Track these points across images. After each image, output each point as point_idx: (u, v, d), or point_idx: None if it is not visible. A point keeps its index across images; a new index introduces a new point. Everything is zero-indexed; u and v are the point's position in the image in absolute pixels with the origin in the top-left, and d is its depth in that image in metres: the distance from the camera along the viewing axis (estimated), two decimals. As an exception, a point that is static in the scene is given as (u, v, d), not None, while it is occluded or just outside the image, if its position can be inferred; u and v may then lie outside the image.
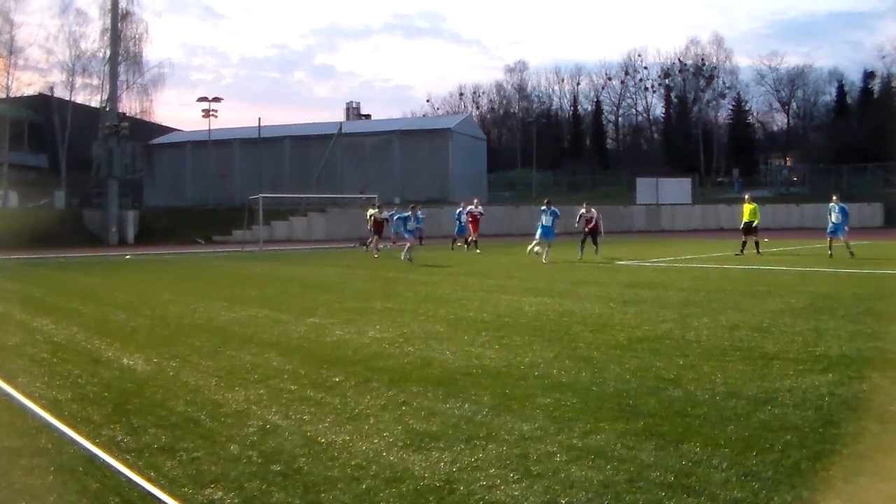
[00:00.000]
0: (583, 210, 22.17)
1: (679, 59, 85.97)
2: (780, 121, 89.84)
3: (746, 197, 24.82)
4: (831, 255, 20.91)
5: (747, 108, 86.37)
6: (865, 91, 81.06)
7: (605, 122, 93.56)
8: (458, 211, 29.08)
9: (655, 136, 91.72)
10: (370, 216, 28.12)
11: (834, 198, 21.95)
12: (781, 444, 4.42)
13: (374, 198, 31.34)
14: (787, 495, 3.67)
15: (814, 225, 33.47)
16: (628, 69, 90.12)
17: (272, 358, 7.55)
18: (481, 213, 28.55)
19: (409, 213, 24.55)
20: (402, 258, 21.90)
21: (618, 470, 4.08)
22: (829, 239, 21.64)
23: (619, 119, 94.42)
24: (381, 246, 26.87)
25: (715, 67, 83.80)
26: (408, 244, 22.77)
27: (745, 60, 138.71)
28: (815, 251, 24.26)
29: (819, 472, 3.96)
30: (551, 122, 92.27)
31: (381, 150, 56.78)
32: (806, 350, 7.32)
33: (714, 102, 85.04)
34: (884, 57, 78.33)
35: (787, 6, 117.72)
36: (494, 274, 17.52)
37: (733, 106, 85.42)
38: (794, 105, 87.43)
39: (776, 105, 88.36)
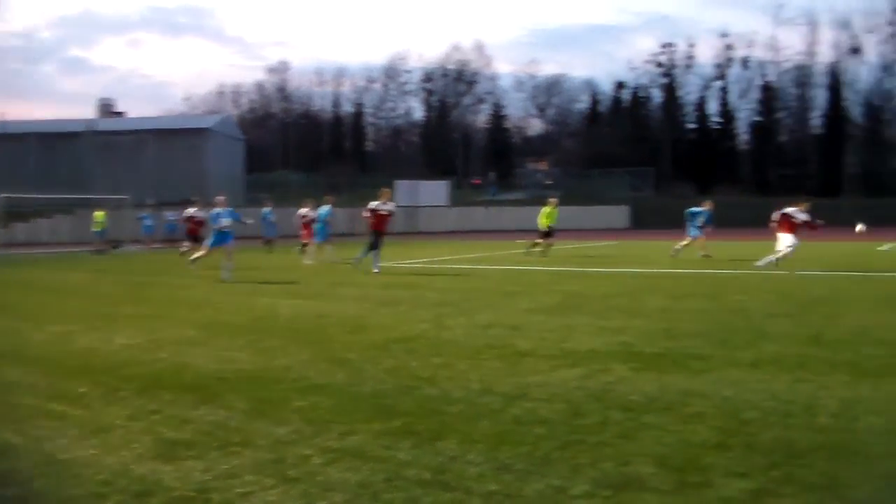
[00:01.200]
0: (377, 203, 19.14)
1: (441, 64, 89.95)
2: (536, 126, 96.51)
3: (550, 200, 26.31)
4: (707, 255, 21.97)
5: (505, 113, 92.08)
6: (616, 100, 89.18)
7: (365, 125, 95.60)
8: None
9: (415, 139, 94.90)
10: (187, 217, 25.06)
11: (704, 204, 23.34)
12: (533, 436, 4.79)
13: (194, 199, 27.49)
14: (539, 484, 3.99)
15: (566, 227, 36.19)
16: (391, 72, 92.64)
17: (6, 371, 7.06)
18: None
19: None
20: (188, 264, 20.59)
21: (375, 470, 4.23)
22: (691, 240, 22.81)
23: (380, 122, 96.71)
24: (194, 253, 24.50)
25: (476, 73, 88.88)
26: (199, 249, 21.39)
27: (505, 67, 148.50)
28: (569, 252, 26.18)
29: (568, 460, 4.35)
30: (312, 124, 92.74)
31: (135, 149, 55.13)
32: (557, 346, 7.93)
33: (474, 107, 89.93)
34: (634, 69, 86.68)
35: (548, 17, 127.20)
36: (251, 277, 17.23)
37: (492, 111, 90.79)
38: (550, 112, 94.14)
39: (533, 111, 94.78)
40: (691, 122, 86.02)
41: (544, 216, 25.15)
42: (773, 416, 5.14)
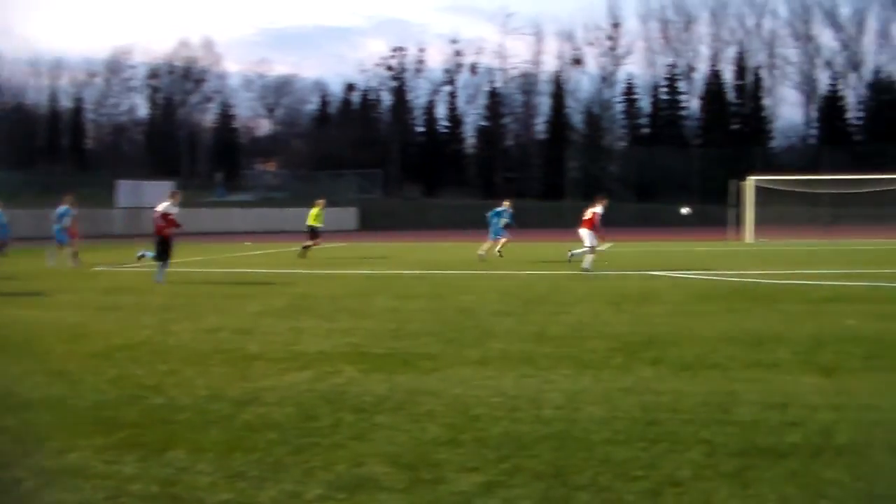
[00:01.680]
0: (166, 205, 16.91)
1: (168, 60, 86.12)
2: (265, 127, 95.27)
3: (318, 202, 26.02)
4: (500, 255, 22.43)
5: (233, 113, 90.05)
6: (346, 102, 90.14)
7: (85, 121, 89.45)
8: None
9: (140, 137, 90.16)
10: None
11: (505, 203, 23.55)
12: (265, 442, 4.74)
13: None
14: (273, 490, 3.95)
15: (295, 228, 36.01)
16: (114, 67, 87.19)
17: None
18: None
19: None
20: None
21: (97, 487, 3.98)
22: (493, 242, 22.90)
23: (102, 118, 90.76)
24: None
25: (204, 71, 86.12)
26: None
27: (234, 66, 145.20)
28: (293, 254, 26.07)
29: (301, 464, 4.34)
30: (25, 119, 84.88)
31: None
32: (286, 349, 7.90)
33: (201, 106, 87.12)
34: (365, 71, 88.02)
35: (279, 16, 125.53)
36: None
37: (220, 110, 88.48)
38: (279, 112, 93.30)
39: (262, 111, 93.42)
40: (420, 126, 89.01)
41: (312, 217, 25.31)
42: (500, 410, 5.45)
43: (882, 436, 4.71)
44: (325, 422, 5.20)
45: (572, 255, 18.72)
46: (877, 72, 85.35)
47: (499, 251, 22.76)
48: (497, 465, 4.31)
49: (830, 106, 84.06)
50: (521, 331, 9.05)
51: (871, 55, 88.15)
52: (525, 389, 6.06)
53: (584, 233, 18.21)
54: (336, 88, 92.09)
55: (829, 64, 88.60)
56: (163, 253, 15.91)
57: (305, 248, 24.82)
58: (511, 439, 4.77)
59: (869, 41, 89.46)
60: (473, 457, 4.45)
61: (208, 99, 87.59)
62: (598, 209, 18.45)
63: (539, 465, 4.29)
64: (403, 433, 4.93)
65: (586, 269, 17.44)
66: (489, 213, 23.46)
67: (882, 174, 35.27)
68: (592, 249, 18.08)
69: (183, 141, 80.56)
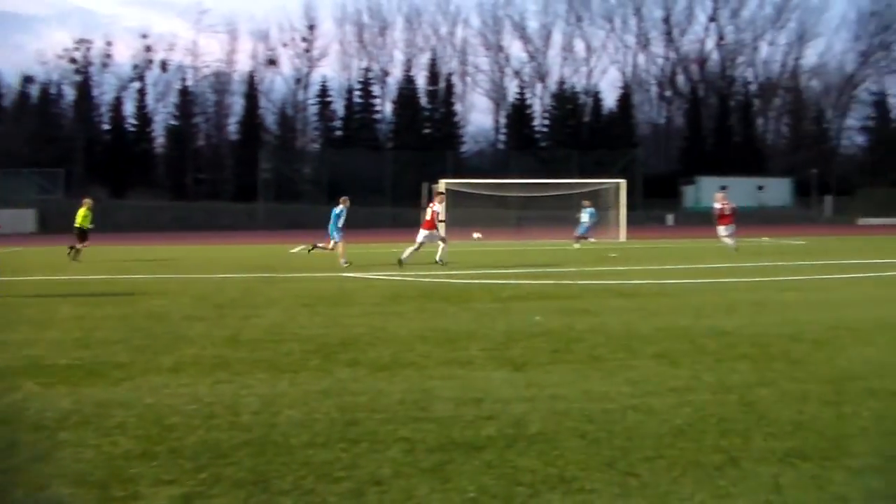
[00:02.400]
0: None
1: None
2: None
3: (85, 201, 24.78)
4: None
5: None
6: (24, 95, 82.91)
7: None
8: None
9: None
10: None
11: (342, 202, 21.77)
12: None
13: None
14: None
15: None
16: None
17: None
18: None
19: None
20: None
21: None
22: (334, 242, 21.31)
23: None
24: None
25: None
26: None
27: None
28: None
29: None
30: None
31: None
32: (-56, 364, 7.17)
33: None
34: (45, 63, 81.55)
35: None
36: None
37: None
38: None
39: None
40: (106, 124, 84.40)
41: (80, 217, 24.49)
42: (196, 418, 5.34)
43: (570, 423, 5.19)
44: (-2, 444, 4.81)
45: (401, 259, 19.48)
46: (561, 83, 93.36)
47: (319, 247, 22.97)
48: (195, 475, 4.23)
49: (518, 113, 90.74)
50: (214, 335, 8.88)
51: (557, 67, 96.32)
52: (221, 396, 5.97)
53: (423, 232, 19.99)
54: (12, 80, 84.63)
55: (517, 73, 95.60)
56: None
57: (74, 250, 23.29)
58: (209, 448, 4.69)
59: (554, 54, 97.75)
60: (169, 469, 4.33)
61: None
62: (437, 207, 20.52)
63: (239, 473, 4.27)
64: (92, 449, 4.68)
65: (441, 261, 19.53)
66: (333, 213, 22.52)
67: (563, 178, 38.71)
68: (444, 240, 20.24)
69: None
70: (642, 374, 6.67)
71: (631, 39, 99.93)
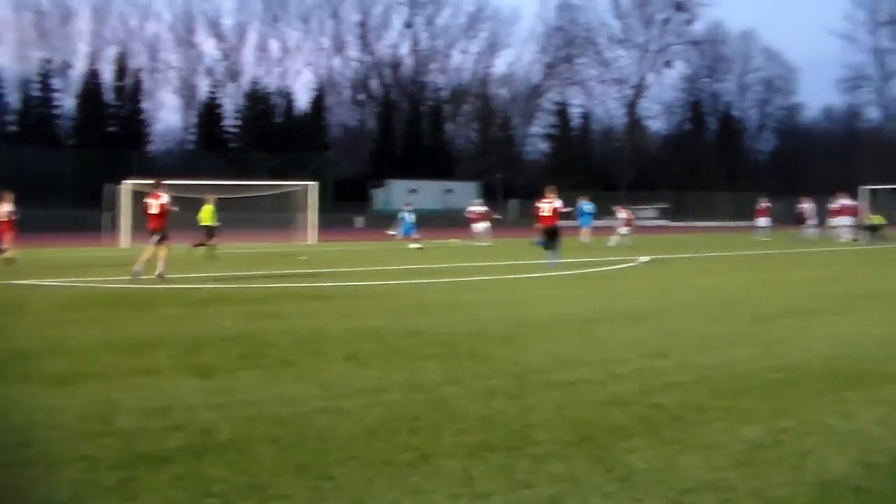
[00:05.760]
0: None
1: None
2: None
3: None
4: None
5: None
6: None
7: None
8: None
9: None
10: None
11: None
12: None
13: None
14: None
15: None
16: None
17: None
18: None
19: None
20: None
21: None
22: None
23: None
24: None
25: None
26: None
27: None
28: None
29: None
30: None
31: None
32: None
33: None
34: None
35: None
36: None
37: None
38: None
39: None
40: None
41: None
42: None
43: (261, 429, 5.13)
44: None
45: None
46: (254, 83, 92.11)
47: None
48: None
49: (209, 113, 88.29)
50: None
51: (250, 66, 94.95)
52: None
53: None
54: None
55: (209, 72, 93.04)
56: None
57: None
58: None
59: (248, 53, 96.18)
60: None
61: None
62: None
63: None
64: None
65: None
66: None
67: (255, 180, 38.18)
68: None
69: None
70: (333, 376, 6.76)
71: (327, 42, 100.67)
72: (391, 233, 32.80)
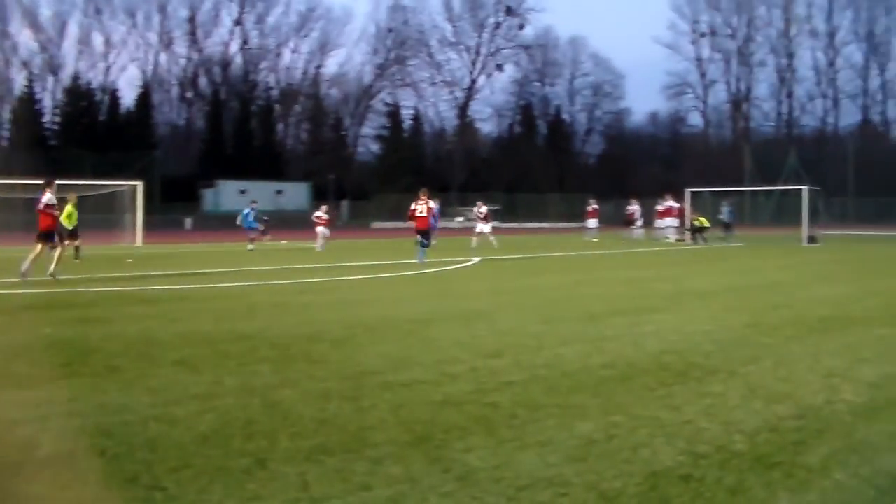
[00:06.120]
0: None
1: None
2: None
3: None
4: None
5: None
6: None
7: None
8: None
9: None
10: None
11: None
12: None
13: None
14: None
15: None
16: None
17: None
18: None
19: None
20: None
21: None
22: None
23: None
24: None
25: None
26: None
27: None
28: None
29: None
30: None
31: None
32: None
33: None
34: None
35: None
36: None
37: None
38: None
39: None
40: None
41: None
42: None
43: (87, 441, 4.88)
44: None
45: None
46: (75, 77, 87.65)
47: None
48: None
49: (26, 108, 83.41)
50: None
51: (71, 60, 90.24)
52: None
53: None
54: None
55: (26, 65, 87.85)
56: None
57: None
58: None
59: (69, 46, 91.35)
60: None
61: None
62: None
63: None
64: None
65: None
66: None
67: (76, 180, 36.18)
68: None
69: None
70: (163, 382, 6.53)
71: (153, 37, 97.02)
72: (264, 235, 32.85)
